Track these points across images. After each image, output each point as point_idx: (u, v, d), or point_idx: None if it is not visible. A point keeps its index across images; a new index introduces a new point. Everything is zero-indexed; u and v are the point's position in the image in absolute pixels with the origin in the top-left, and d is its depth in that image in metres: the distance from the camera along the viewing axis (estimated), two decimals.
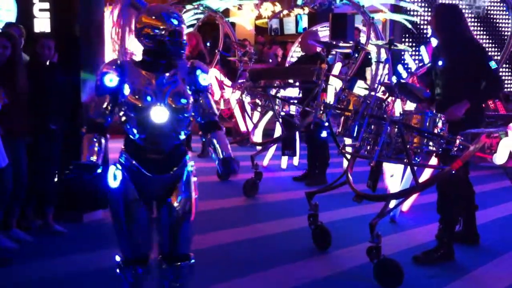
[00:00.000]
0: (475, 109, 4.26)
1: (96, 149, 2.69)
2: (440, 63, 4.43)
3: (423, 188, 4.04)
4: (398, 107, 5.94)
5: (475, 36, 4.75)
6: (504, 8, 10.45)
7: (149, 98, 2.64)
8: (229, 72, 9.86)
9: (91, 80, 5.09)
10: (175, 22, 2.68)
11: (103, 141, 2.75)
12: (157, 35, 2.66)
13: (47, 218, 4.81)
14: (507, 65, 11.05)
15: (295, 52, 10.63)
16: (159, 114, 2.65)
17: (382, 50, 7.97)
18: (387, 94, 4.24)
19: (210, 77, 2.84)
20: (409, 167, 4.11)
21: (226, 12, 11.92)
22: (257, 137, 7.55)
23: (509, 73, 11.24)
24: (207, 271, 3.74)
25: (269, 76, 7.11)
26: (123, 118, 2.71)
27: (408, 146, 3.84)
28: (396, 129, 3.87)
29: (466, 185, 4.48)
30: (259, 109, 6.91)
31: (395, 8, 10.07)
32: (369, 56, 8.56)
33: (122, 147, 2.81)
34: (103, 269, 4.00)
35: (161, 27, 2.65)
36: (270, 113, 7.01)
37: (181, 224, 2.79)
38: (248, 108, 7.29)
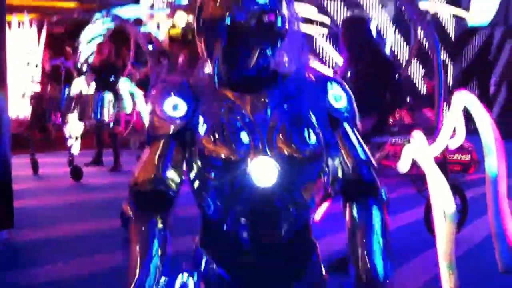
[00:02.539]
0: (381, 120, 4.44)
1: (158, 258, 1.44)
2: (348, 74, 4.59)
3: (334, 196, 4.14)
4: None
5: (382, 48, 4.95)
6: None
7: (245, 139, 1.43)
8: (141, 82, 9.71)
9: None
10: None
11: (167, 233, 1.49)
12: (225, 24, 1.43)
13: None
14: (419, 65, 11.58)
15: None
16: (263, 172, 1.42)
17: None
18: None
19: (345, 95, 1.57)
20: None
21: (138, 22, 11.74)
22: None
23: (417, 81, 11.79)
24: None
25: None
26: (196, 184, 1.50)
27: None
28: None
29: None
30: None
31: None
32: None
33: (196, 238, 1.62)
34: None
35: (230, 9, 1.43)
36: None
37: None
38: None
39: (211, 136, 1.43)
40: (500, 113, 12.78)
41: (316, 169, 1.49)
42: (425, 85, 9.95)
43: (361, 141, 1.57)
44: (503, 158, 3.46)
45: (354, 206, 1.53)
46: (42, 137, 8.44)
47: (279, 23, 1.44)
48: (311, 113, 1.49)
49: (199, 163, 1.46)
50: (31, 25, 10.47)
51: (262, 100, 1.47)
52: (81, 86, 8.43)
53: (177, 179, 1.50)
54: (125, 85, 8.57)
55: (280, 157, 1.43)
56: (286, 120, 1.46)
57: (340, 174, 1.54)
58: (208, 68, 1.52)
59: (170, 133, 1.48)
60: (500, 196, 3.38)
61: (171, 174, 1.49)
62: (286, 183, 1.43)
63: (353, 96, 1.59)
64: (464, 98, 4.27)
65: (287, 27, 1.47)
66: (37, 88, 8.21)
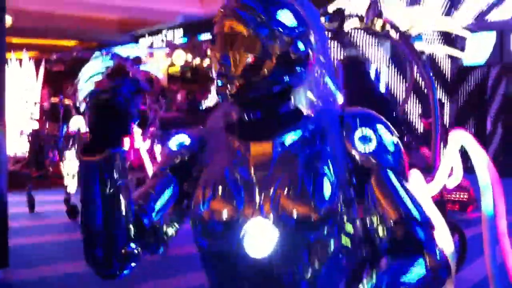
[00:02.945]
0: None
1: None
2: None
3: None
4: None
5: (378, 87, 5.00)
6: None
7: (241, 198, 1.22)
8: (139, 120, 9.77)
9: None
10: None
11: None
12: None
13: None
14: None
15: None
16: (258, 238, 1.18)
17: None
18: None
19: (381, 135, 1.25)
20: None
21: (137, 60, 11.85)
22: None
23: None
24: None
25: (180, 124, 7.10)
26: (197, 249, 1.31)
27: None
28: None
29: None
30: None
31: None
32: None
33: None
34: None
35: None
36: None
37: None
38: (159, 157, 7.21)
39: (202, 190, 1.24)
40: (496, 151, 12.82)
41: (330, 233, 1.18)
42: (422, 123, 10.01)
43: (412, 193, 1.22)
44: (501, 196, 3.44)
45: (391, 256, 1.16)
46: (39, 174, 8.41)
47: (302, 48, 1.23)
48: (330, 162, 1.22)
49: (193, 222, 1.26)
50: (29, 62, 10.60)
51: (269, 147, 1.24)
52: (79, 123, 8.46)
53: (161, 213, 1.29)
54: None
55: (282, 218, 1.16)
56: (296, 171, 1.20)
57: (380, 234, 1.19)
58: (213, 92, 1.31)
59: (169, 166, 1.32)
60: (500, 233, 3.36)
61: (157, 205, 1.28)
62: (290, 251, 1.15)
63: (396, 136, 1.27)
64: (461, 137, 4.29)
65: (311, 57, 1.25)
66: (36, 125, 8.23)
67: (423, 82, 5.22)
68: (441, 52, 9.76)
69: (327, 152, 1.23)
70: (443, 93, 12.37)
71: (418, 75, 6.32)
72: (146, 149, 8.21)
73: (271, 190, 1.19)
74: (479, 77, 12.91)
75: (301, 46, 1.23)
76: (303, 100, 1.26)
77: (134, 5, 14.19)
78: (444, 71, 12.51)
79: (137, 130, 8.87)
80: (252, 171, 1.23)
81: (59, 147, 7.58)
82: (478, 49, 10.69)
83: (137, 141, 8.79)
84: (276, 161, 1.23)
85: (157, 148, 7.15)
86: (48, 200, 8.44)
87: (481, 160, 3.82)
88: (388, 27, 5.57)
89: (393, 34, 5.78)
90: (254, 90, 1.22)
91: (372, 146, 1.23)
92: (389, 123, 1.29)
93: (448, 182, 4.30)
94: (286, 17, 1.22)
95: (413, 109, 11.66)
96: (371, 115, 1.29)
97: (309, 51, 1.24)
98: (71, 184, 7.82)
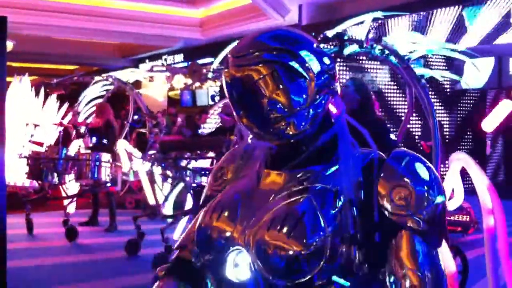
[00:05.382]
0: None
1: None
2: None
3: None
4: None
5: (376, 111, 5.01)
6: None
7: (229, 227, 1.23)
8: (139, 143, 9.77)
9: None
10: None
11: None
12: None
13: None
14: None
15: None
16: (236, 267, 1.19)
17: None
18: None
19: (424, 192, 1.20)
20: None
21: (138, 84, 11.91)
22: (168, 209, 7.42)
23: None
24: None
25: (180, 148, 7.10)
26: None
27: None
28: None
29: None
30: (170, 180, 6.85)
31: None
32: None
33: None
34: None
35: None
36: (181, 185, 6.95)
37: None
38: (158, 179, 7.19)
39: (210, 213, 1.26)
40: (495, 172, 12.81)
41: (315, 272, 1.14)
42: (422, 147, 10.01)
43: (437, 260, 1.19)
44: (502, 218, 3.43)
45: None
46: (38, 196, 8.37)
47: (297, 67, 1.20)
48: (339, 201, 1.19)
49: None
50: (31, 86, 10.64)
51: (281, 178, 1.24)
52: (79, 146, 8.46)
53: None
54: (122, 145, 8.60)
55: (260, 254, 1.15)
56: (297, 207, 1.16)
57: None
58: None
59: (209, 195, 1.39)
60: (502, 255, 3.33)
61: None
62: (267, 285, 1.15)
63: (441, 195, 1.21)
64: (461, 159, 4.28)
65: (313, 73, 1.22)
66: (35, 148, 8.23)
67: (422, 105, 5.24)
68: (440, 76, 9.81)
69: (339, 190, 1.20)
70: (442, 112, 12.42)
71: (418, 98, 6.34)
72: (145, 171, 8.19)
73: (261, 221, 1.18)
74: (478, 97, 12.97)
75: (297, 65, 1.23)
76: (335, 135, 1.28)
77: (134, 31, 14.32)
78: (443, 90, 12.57)
79: (136, 153, 8.87)
80: (256, 198, 1.23)
81: (58, 169, 7.54)
82: (477, 74, 10.74)
83: (136, 164, 8.77)
84: (280, 193, 1.22)
85: (157, 171, 7.14)
86: (47, 222, 8.39)
87: (482, 182, 3.81)
88: (387, 52, 5.62)
89: (393, 58, 5.83)
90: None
91: (407, 199, 1.19)
92: (438, 175, 1.25)
93: (449, 205, 4.29)
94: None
95: (414, 131, 11.69)
96: (421, 160, 1.24)
97: (309, 71, 1.24)
98: (70, 205, 7.79)
